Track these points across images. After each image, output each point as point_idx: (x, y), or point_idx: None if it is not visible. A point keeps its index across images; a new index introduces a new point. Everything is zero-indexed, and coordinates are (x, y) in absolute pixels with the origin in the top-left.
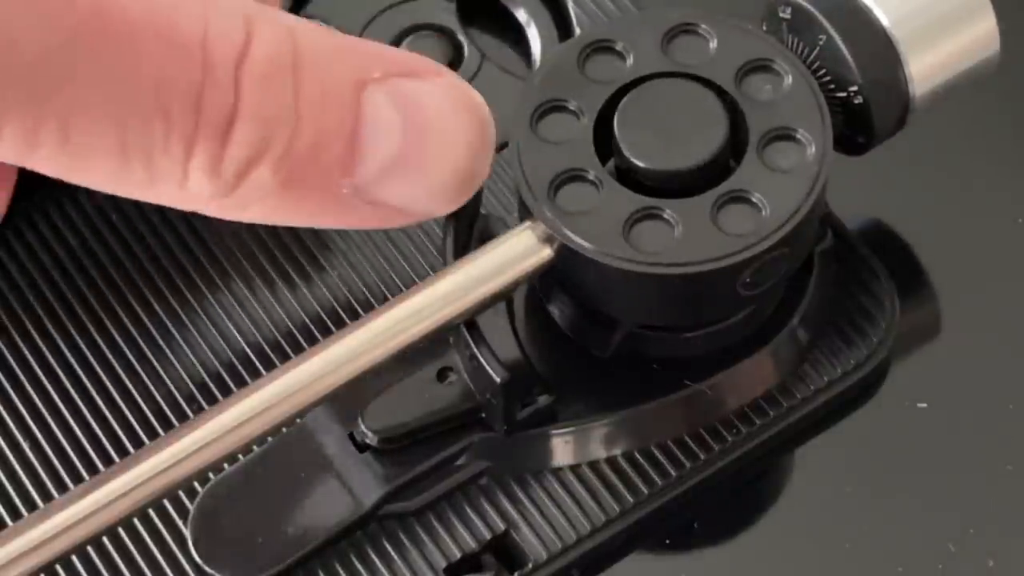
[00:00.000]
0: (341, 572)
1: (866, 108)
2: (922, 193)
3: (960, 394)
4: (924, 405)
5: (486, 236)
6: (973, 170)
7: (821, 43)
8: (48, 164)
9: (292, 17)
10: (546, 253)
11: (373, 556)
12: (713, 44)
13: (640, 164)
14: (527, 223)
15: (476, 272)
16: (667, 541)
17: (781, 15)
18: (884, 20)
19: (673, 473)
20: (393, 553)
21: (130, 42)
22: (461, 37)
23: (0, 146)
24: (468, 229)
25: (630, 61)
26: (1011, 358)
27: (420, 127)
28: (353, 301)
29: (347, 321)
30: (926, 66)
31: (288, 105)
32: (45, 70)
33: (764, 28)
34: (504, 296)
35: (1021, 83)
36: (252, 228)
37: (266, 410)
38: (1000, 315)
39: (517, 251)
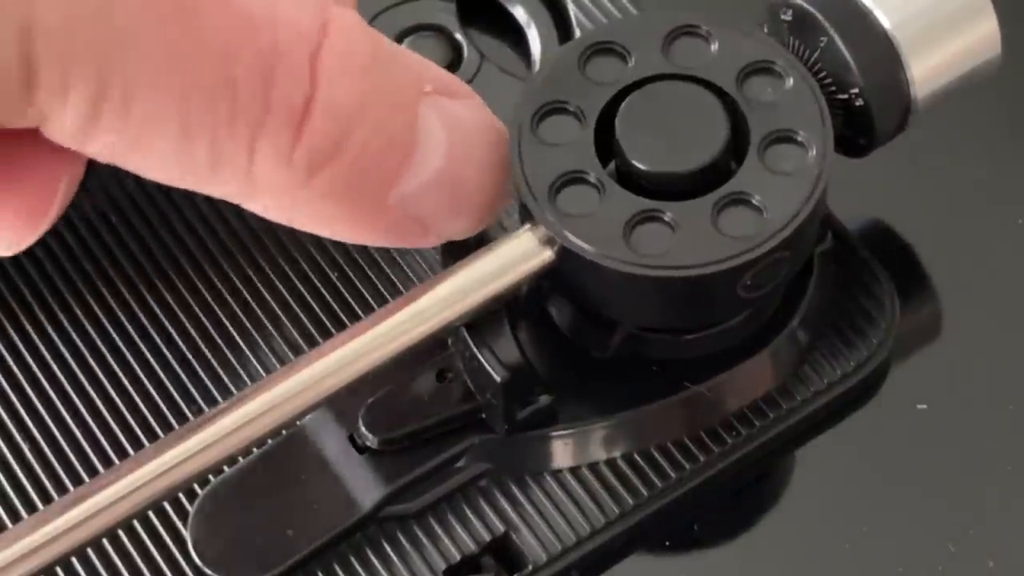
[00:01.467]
0: (341, 574)
1: (867, 110)
2: (922, 194)
3: (960, 395)
4: (924, 406)
5: (483, 239)
6: (973, 171)
7: (822, 45)
8: (107, 140)
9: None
10: (547, 255)
11: (373, 558)
12: (714, 46)
13: (641, 166)
14: (527, 225)
15: (477, 275)
16: (667, 543)
17: (782, 17)
18: (885, 22)
19: (673, 475)
20: (393, 555)
21: (195, 13)
22: (461, 37)
23: (66, 114)
24: None
25: (631, 63)
26: (1011, 358)
27: (459, 146)
28: (353, 303)
29: (348, 323)
30: (927, 68)
31: (365, 104)
32: (108, 24)
33: (765, 30)
34: (505, 299)
35: (1021, 84)
36: (251, 229)
37: (266, 412)
38: (1000, 316)
39: (517, 253)
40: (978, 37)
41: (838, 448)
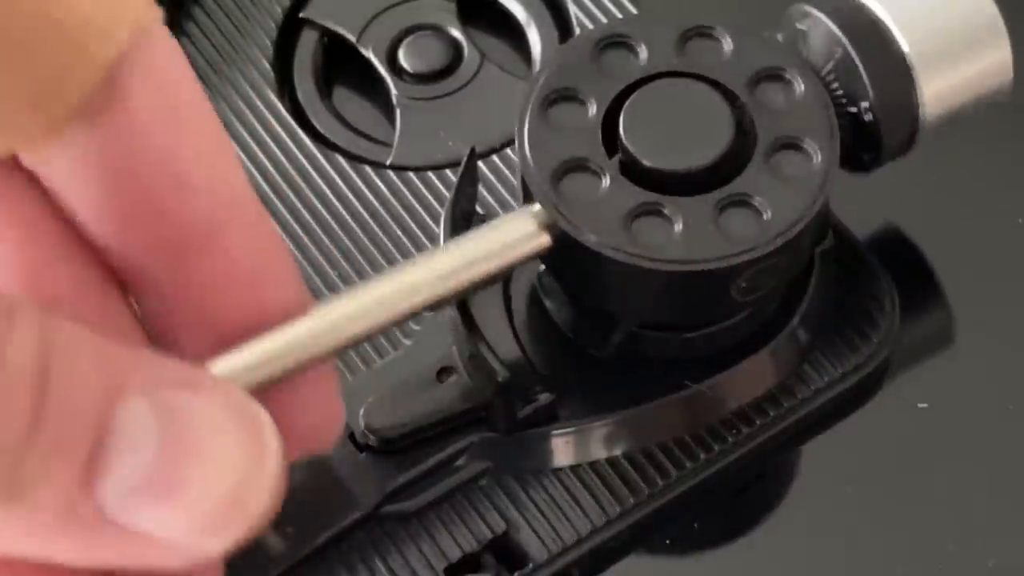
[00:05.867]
0: (342, 573)
1: (875, 126)
2: (923, 193)
3: (960, 394)
4: (924, 405)
5: (483, 217)
6: (973, 170)
7: (837, 57)
8: None
9: (46, 315)
10: (545, 239)
11: (374, 556)
12: (729, 49)
13: (642, 160)
14: (528, 208)
15: (471, 253)
16: (668, 541)
17: (798, 26)
18: (902, 40)
19: (674, 473)
20: (394, 553)
21: None
22: (461, 37)
23: None
24: (464, 230)
25: (644, 58)
26: (1011, 358)
27: (179, 443)
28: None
29: None
30: (939, 90)
31: (23, 413)
32: None
33: (781, 37)
34: (499, 279)
35: (1020, 83)
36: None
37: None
38: (1001, 315)
39: (516, 235)
40: (992, 62)
41: (838, 447)
